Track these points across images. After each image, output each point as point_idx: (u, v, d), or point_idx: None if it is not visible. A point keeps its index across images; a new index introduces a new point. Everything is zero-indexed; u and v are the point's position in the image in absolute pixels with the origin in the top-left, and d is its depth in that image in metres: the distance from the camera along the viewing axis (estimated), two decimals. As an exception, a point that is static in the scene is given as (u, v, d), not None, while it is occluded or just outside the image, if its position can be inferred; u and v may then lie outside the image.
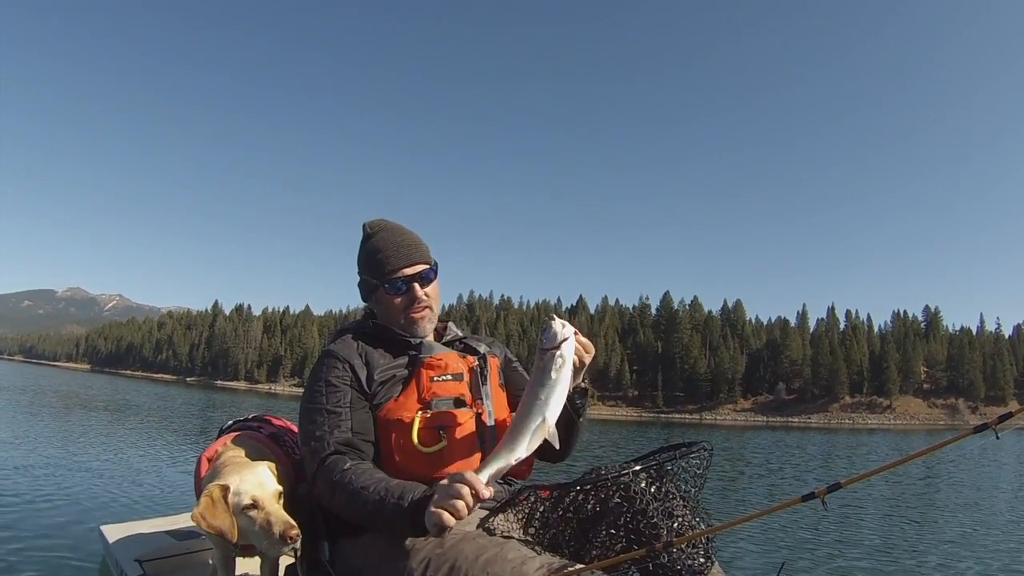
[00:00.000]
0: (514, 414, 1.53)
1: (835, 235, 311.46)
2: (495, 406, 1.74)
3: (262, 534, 1.64)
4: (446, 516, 1.35)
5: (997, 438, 1.28)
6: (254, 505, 1.66)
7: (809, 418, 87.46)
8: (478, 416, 1.69)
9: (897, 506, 10.01)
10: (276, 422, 2.30)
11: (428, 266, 1.84)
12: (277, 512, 1.66)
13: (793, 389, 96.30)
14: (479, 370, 1.75)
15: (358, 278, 1.91)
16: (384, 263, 1.80)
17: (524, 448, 1.45)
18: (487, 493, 1.37)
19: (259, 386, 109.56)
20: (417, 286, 1.80)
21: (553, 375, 1.47)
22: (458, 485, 1.36)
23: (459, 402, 1.68)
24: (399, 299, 1.80)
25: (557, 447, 1.51)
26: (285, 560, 1.90)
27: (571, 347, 1.51)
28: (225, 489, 1.67)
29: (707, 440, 1.61)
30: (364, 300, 1.93)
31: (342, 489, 1.53)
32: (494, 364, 1.84)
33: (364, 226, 1.89)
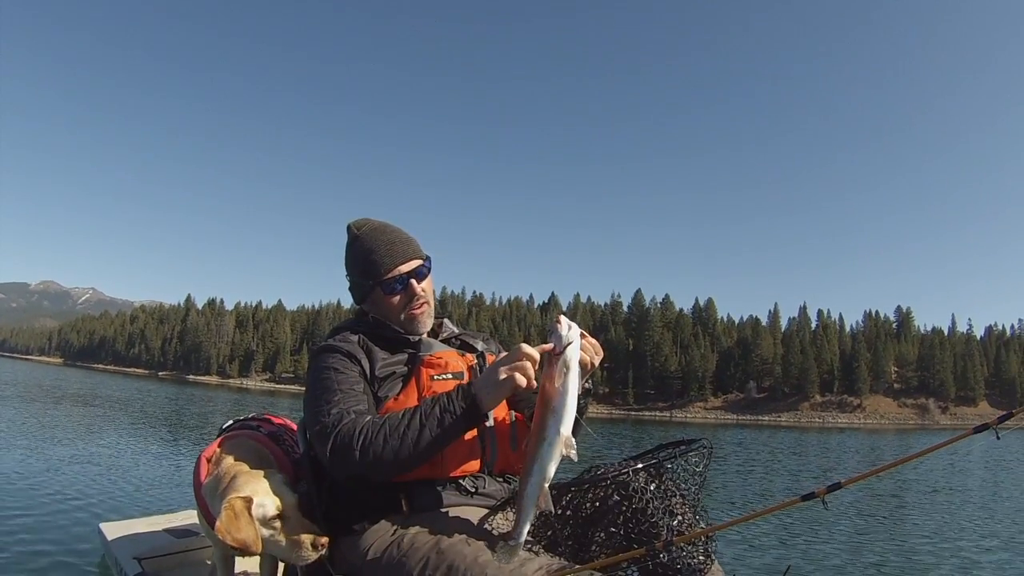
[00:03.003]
0: (532, 430, 1.44)
1: (809, 234, 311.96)
2: None
3: (290, 546, 1.61)
4: (518, 376, 1.40)
5: (998, 438, 1.27)
6: (279, 516, 1.63)
7: (779, 416, 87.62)
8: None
9: (895, 505, 10.03)
10: (276, 420, 2.26)
11: (422, 261, 1.80)
12: (303, 522, 1.64)
13: (764, 387, 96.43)
14: (478, 368, 1.72)
15: (348, 282, 1.86)
16: (379, 264, 1.75)
17: (553, 467, 1.40)
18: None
19: (231, 381, 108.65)
20: (414, 282, 1.76)
21: (558, 384, 1.40)
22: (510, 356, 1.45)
23: None
24: (397, 298, 1.76)
25: (575, 460, 1.47)
26: None
27: (576, 350, 1.44)
28: (248, 501, 1.62)
29: (706, 438, 1.61)
30: (358, 303, 1.87)
31: (370, 429, 1.46)
32: (492, 362, 1.78)
33: (349, 227, 1.84)
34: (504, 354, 1.49)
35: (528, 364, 1.42)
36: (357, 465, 1.45)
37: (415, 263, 1.77)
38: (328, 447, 1.47)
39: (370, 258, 1.75)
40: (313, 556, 1.60)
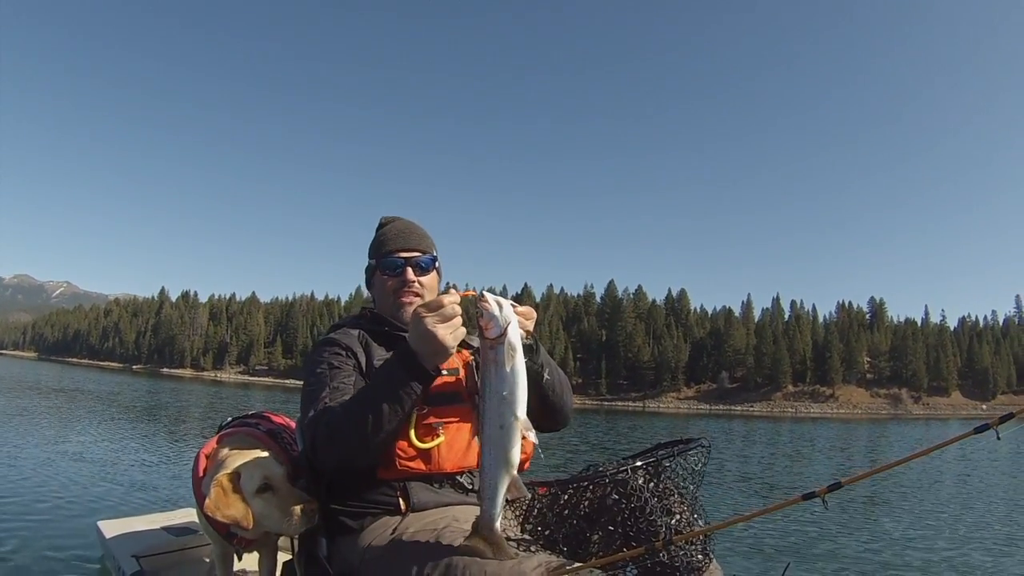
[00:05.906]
0: (482, 420, 1.43)
1: (783, 226, 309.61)
2: None
3: (280, 515, 1.65)
4: (444, 326, 1.43)
5: (998, 438, 1.28)
6: (267, 487, 1.68)
7: (752, 406, 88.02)
8: (475, 411, 1.65)
9: (893, 504, 9.99)
10: (275, 419, 2.32)
11: (425, 254, 1.90)
12: (292, 492, 1.68)
13: (736, 378, 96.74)
14: (474, 365, 1.75)
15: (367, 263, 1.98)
16: (384, 244, 1.89)
17: (516, 454, 1.38)
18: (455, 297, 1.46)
19: (205, 373, 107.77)
20: (410, 269, 1.85)
21: (508, 368, 1.38)
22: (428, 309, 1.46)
23: (455, 397, 1.67)
24: (391, 281, 1.86)
25: (535, 441, 1.47)
26: (283, 556, 2.01)
27: (517, 330, 1.42)
28: (235, 476, 1.69)
29: (704, 437, 1.63)
30: (367, 287, 2.00)
31: (334, 410, 1.52)
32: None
33: (380, 218, 2.00)
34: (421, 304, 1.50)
35: (453, 310, 1.43)
36: (325, 444, 1.50)
37: (417, 253, 1.86)
38: (307, 443, 1.56)
39: (381, 239, 1.90)
40: (304, 524, 1.62)
